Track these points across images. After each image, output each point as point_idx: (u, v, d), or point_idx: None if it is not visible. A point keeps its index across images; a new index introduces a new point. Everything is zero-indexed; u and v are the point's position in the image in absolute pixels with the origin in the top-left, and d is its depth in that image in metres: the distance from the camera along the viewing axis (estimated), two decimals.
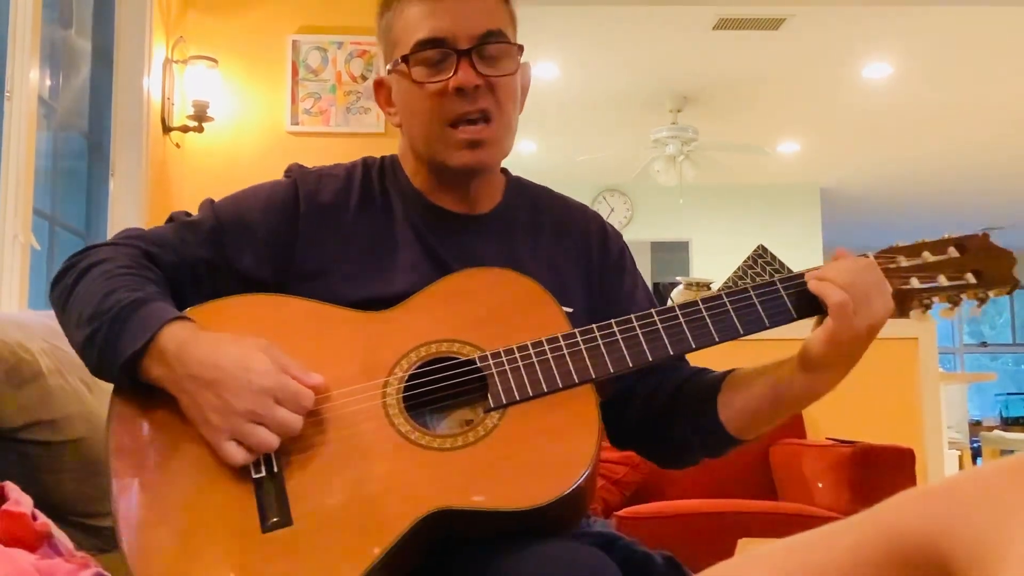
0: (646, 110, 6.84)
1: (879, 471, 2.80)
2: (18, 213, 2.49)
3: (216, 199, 1.22)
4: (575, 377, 1.04)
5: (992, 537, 0.55)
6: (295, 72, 3.56)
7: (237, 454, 0.98)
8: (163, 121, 3.42)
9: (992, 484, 0.58)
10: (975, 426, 8.47)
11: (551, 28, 5.43)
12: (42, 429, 1.36)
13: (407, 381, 1.05)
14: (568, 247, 1.25)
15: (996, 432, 7.37)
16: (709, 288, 3.62)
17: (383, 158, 1.28)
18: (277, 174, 1.26)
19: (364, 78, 3.57)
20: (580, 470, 0.97)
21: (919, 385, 3.61)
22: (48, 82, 2.90)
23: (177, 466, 1.01)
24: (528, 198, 1.28)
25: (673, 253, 8.82)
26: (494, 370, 1.04)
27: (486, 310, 1.10)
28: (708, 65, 6.13)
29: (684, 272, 8.22)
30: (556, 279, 1.19)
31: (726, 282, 3.73)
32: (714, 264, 6.56)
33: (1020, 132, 7.29)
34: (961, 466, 5.41)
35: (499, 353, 1.05)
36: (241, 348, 1.01)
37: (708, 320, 1.07)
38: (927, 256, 1.09)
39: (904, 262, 1.09)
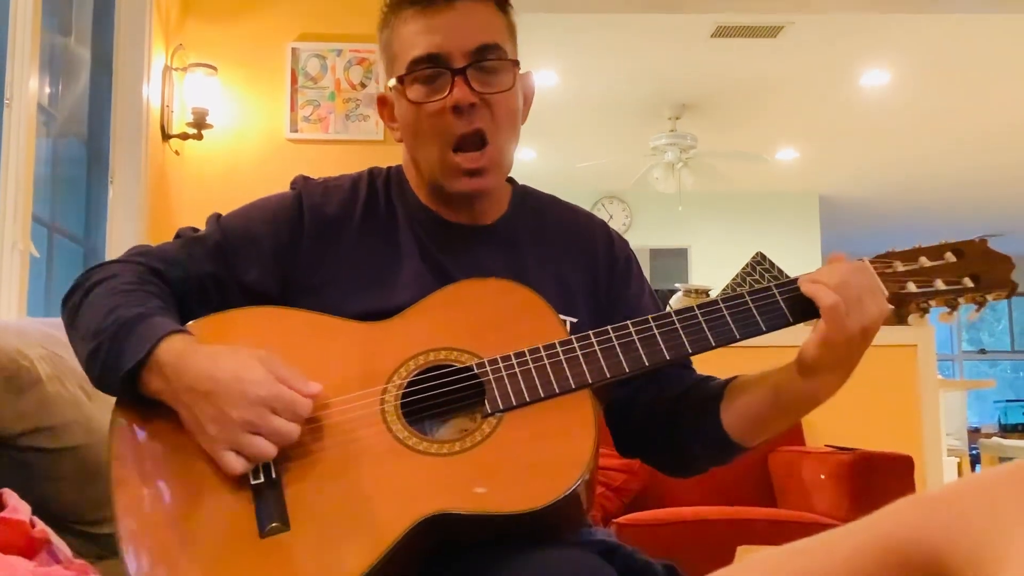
0: (645, 117, 6.86)
1: (878, 478, 2.80)
2: (17, 220, 2.49)
3: (223, 213, 1.23)
4: (572, 382, 1.04)
5: (990, 544, 0.55)
6: (294, 80, 3.56)
7: (236, 463, 0.98)
8: (162, 128, 3.42)
9: (991, 491, 0.58)
10: (974, 433, 8.45)
11: (550, 36, 5.45)
12: (41, 436, 1.36)
13: (405, 388, 1.05)
14: (574, 256, 1.25)
15: (995, 439, 7.35)
16: (708, 295, 3.62)
17: (389, 169, 1.28)
18: (276, 181, 1.26)
19: (363, 86, 3.57)
20: (577, 472, 0.96)
21: (918, 392, 3.62)
22: (48, 89, 2.90)
23: (177, 474, 1.02)
24: (533, 207, 1.29)
25: (672, 260, 8.83)
26: (491, 377, 1.04)
27: (484, 319, 1.10)
28: (707, 73, 6.15)
29: (683, 279, 8.23)
30: (562, 288, 1.19)
31: (724, 289, 3.73)
32: (713, 271, 6.58)
33: (1017, 139, 7.31)
34: (960, 473, 5.41)
35: (496, 360, 1.05)
36: (237, 359, 1.01)
37: (704, 325, 1.07)
38: (924, 261, 1.08)
39: (900, 267, 1.08)
